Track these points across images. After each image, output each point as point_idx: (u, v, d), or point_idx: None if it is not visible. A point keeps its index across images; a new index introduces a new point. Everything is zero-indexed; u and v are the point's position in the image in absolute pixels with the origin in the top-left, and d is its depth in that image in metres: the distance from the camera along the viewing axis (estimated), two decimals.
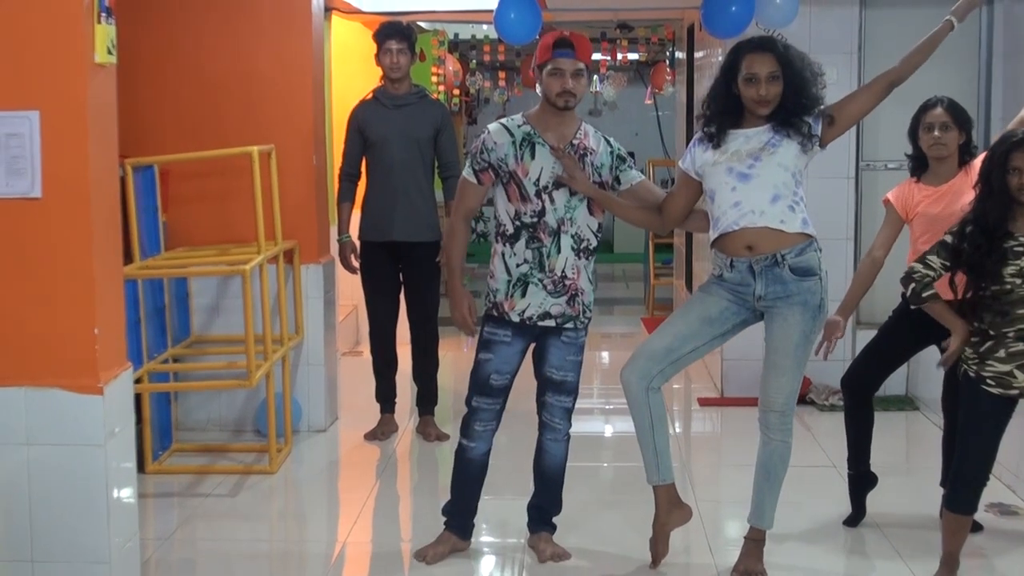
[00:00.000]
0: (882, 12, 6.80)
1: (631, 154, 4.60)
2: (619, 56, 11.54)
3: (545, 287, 4.28)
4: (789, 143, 4.06)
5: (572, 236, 4.28)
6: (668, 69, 11.20)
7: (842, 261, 6.76)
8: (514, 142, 4.28)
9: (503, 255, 4.33)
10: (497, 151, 4.29)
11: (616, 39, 10.96)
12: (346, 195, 6.10)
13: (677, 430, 6.65)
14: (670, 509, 4.30)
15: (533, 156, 4.26)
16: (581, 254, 4.31)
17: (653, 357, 4.17)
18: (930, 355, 6.37)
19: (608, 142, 4.40)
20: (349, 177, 6.10)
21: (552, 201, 4.26)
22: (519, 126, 4.32)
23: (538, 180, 4.26)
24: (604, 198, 4.32)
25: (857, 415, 4.80)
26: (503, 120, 4.39)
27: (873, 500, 5.01)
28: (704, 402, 7.02)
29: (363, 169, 6.10)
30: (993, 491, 5.18)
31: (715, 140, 4.15)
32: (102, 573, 3.72)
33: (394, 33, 5.97)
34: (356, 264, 6.13)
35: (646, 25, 10.41)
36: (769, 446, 4.21)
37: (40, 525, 3.74)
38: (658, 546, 4.33)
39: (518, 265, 4.30)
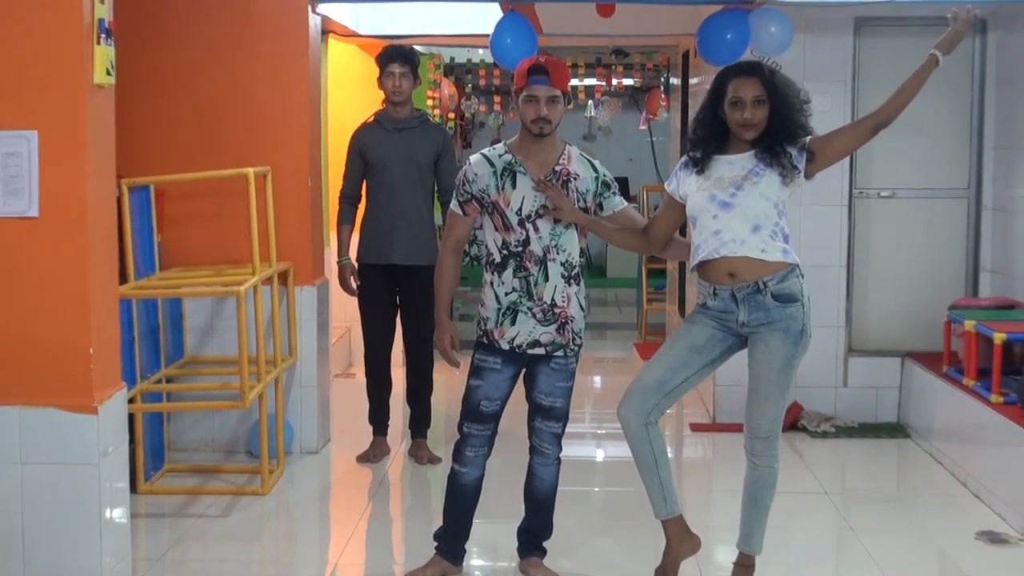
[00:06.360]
0: (876, 41, 6.83)
1: (625, 179, 4.61)
2: (614, 81, 11.59)
3: (534, 315, 4.28)
4: (771, 173, 4.07)
5: (562, 264, 4.28)
6: (663, 95, 11.22)
7: (835, 289, 6.76)
8: (495, 172, 4.28)
9: (492, 284, 4.33)
10: (478, 182, 4.30)
11: (611, 64, 11.00)
12: (346, 217, 6.10)
13: (669, 455, 6.63)
14: (681, 540, 4.28)
15: (514, 186, 4.26)
16: (572, 281, 4.32)
17: (646, 391, 4.17)
18: (922, 382, 6.40)
19: (594, 167, 4.37)
20: (349, 199, 6.11)
21: (536, 230, 4.25)
22: (500, 155, 4.32)
23: (520, 210, 4.25)
24: (590, 223, 4.32)
25: None
26: (485, 151, 4.38)
27: (863, 526, 5.01)
28: (696, 427, 7.02)
29: (363, 192, 6.12)
30: (983, 519, 5.20)
31: (700, 165, 4.17)
32: None
33: (397, 56, 5.99)
34: (355, 286, 6.14)
35: (641, 51, 10.45)
36: (755, 472, 4.22)
37: (32, 544, 3.74)
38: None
39: (507, 294, 4.30)
